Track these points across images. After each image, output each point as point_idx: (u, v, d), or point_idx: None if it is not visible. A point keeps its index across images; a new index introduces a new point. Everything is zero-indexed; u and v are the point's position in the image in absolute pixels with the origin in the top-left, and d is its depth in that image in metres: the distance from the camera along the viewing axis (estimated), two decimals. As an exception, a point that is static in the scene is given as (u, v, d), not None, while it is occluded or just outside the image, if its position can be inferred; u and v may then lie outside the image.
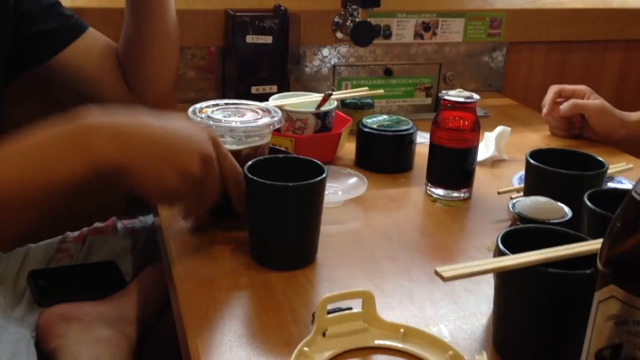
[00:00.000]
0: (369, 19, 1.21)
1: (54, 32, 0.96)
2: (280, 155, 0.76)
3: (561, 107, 1.12)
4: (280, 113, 0.81)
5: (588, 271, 0.52)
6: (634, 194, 0.44)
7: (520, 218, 0.64)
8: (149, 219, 1.08)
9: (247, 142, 0.76)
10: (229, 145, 0.75)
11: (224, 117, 0.78)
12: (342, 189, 0.87)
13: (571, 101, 1.11)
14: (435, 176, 0.89)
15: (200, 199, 0.68)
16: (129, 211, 1.12)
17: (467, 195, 0.89)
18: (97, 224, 1.05)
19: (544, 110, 1.14)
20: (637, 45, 1.48)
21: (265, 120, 0.78)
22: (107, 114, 0.63)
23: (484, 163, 1.00)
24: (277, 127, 0.79)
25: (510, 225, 0.66)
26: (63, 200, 0.62)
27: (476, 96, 0.87)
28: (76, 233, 1.03)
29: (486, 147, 1.02)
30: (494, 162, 1.02)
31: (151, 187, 0.63)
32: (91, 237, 1.02)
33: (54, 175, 0.60)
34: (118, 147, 0.61)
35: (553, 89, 1.14)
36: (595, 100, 1.11)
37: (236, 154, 0.74)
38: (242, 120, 0.77)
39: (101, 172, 0.60)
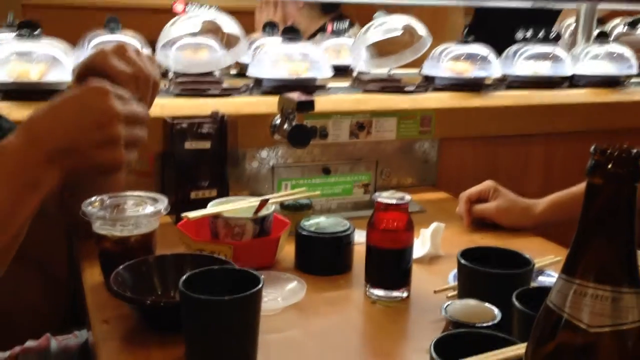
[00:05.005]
0: (305, 122, 1.25)
1: None
2: (216, 267, 0.76)
3: (464, 219, 1.19)
4: (165, 200, 0.91)
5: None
6: (548, 302, 0.47)
7: (452, 322, 0.65)
8: (84, 333, 1.04)
9: (137, 230, 0.87)
10: (119, 232, 0.86)
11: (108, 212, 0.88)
12: (281, 295, 0.87)
13: (469, 211, 1.18)
14: (373, 277, 0.91)
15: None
16: (64, 325, 1.08)
17: (405, 294, 0.90)
18: (30, 343, 1.00)
19: (465, 222, 1.19)
20: (557, 138, 1.58)
21: (151, 209, 0.89)
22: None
23: (421, 260, 1.02)
24: (163, 213, 0.89)
25: (444, 329, 0.67)
26: None
27: (408, 197, 0.90)
28: (7, 353, 0.98)
29: (422, 243, 1.05)
30: (431, 259, 1.04)
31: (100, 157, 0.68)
32: (23, 357, 0.97)
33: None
34: (54, 164, 0.66)
35: (462, 199, 1.20)
36: (490, 204, 1.17)
37: (125, 240, 0.86)
38: (131, 209, 0.89)
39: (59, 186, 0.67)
